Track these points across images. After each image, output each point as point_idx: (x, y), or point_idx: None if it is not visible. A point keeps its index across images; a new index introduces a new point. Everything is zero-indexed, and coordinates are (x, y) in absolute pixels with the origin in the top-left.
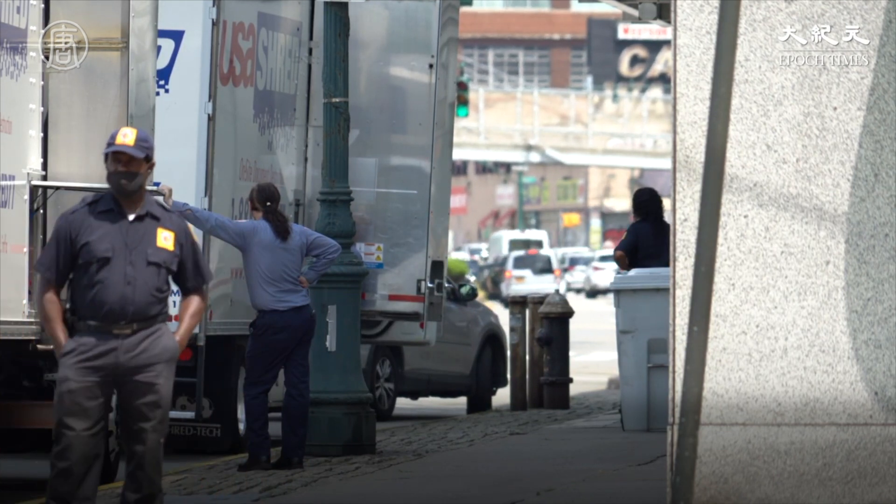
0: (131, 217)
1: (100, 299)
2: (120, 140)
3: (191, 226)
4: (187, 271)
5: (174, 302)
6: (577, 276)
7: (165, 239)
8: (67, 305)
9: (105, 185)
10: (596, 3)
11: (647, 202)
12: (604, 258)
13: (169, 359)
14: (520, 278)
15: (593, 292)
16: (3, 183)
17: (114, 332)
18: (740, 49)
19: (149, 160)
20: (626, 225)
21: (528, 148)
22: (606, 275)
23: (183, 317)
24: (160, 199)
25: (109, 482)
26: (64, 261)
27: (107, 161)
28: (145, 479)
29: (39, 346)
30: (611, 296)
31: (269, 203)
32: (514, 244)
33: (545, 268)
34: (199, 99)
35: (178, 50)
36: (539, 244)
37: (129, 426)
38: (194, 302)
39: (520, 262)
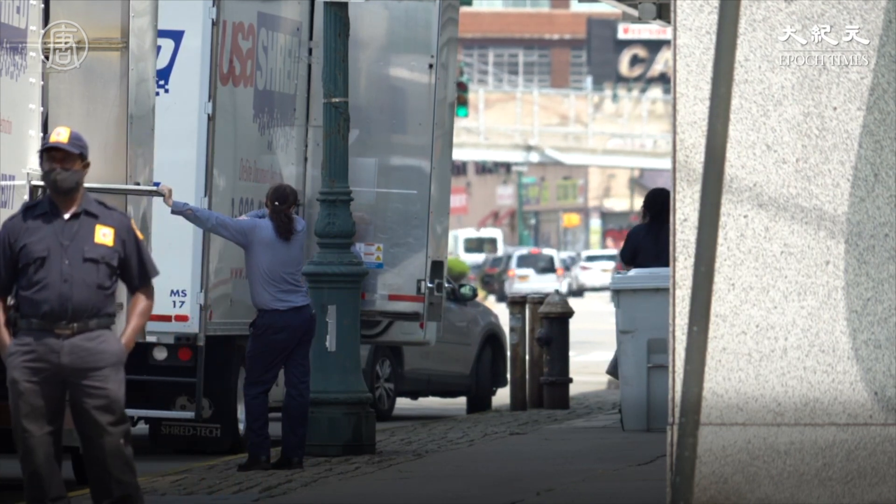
0: (66, 216)
1: (40, 298)
2: (54, 138)
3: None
4: (132, 268)
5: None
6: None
7: (104, 235)
8: (12, 302)
9: (105, 185)
10: (596, 3)
11: (651, 201)
12: (591, 258)
13: (115, 363)
14: (523, 277)
15: (580, 291)
16: (3, 183)
17: (55, 332)
18: (740, 49)
19: (83, 158)
20: (625, 225)
21: (528, 148)
22: (593, 274)
23: (129, 317)
24: (92, 197)
25: None
26: (5, 268)
27: (42, 161)
28: (112, 481)
29: None
30: (598, 294)
31: (277, 203)
32: (469, 243)
33: (547, 267)
34: (198, 99)
35: (177, 50)
36: (493, 242)
37: (84, 431)
38: (141, 301)
39: (522, 262)
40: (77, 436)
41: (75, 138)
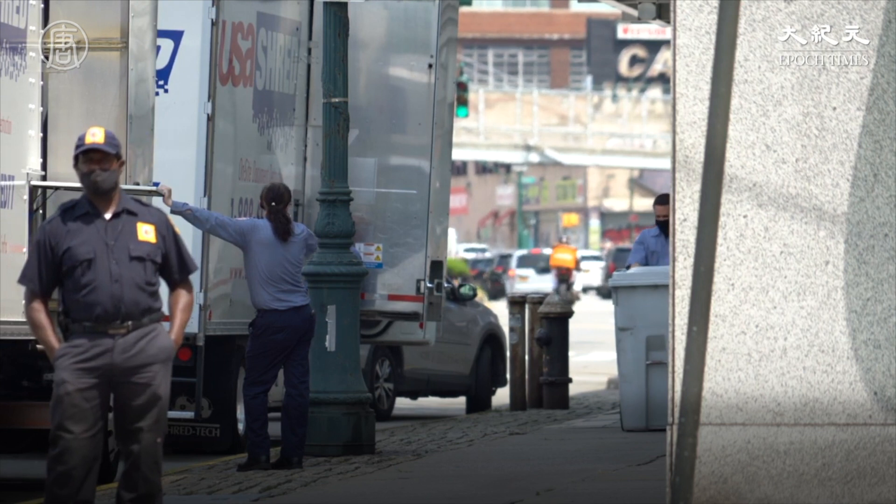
0: (108, 216)
1: (91, 301)
2: (90, 139)
3: (187, 222)
4: (172, 263)
5: None
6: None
7: (146, 232)
8: (60, 308)
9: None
10: (595, 3)
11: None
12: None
13: (165, 359)
14: (523, 277)
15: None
16: (3, 183)
17: (109, 332)
18: (740, 49)
19: (119, 158)
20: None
21: (528, 148)
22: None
23: (174, 313)
24: (159, 197)
25: (108, 482)
26: (47, 272)
27: (77, 164)
28: (141, 478)
29: (39, 347)
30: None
31: (273, 203)
32: None
33: (547, 267)
34: (198, 99)
35: (177, 50)
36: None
37: (124, 426)
38: (182, 296)
39: (523, 262)
40: (115, 433)
41: (111, 138)
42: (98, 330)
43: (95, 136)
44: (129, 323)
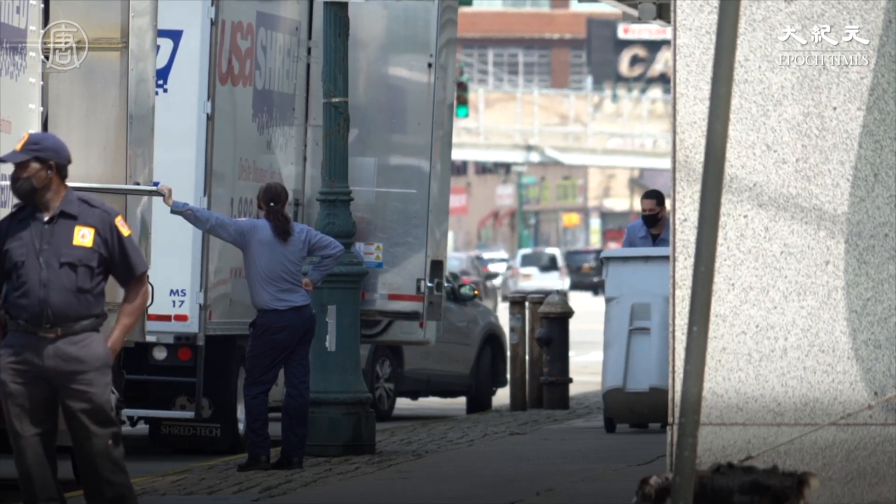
0: (45, 218)
1: (21, 303)
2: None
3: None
4: (115, 266)
5: None
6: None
7: (83, 236)
8: (1, 303)
9: (105, 185)
10: (596, 3)
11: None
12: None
13: (99, 367)
14: (526, 276)
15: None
16: (3, 183)
17: (40, 335)
18: (740, 49)
19: (42, 161)
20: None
21: (528, 148)
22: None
23: (117, 317)
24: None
25: None
26: None
27: None
28: (104, 482)
29: None
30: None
31: (272, 203)
32: None
33: (549, 265)
34: (198, 98)
35: (176, 49)
36: None
37: (73, 431)
38: (128, 300)
39: (526, 260)
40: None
41: (31, 143)
42: (29, 331)
43: (17, 144)
44: (59, 329)
